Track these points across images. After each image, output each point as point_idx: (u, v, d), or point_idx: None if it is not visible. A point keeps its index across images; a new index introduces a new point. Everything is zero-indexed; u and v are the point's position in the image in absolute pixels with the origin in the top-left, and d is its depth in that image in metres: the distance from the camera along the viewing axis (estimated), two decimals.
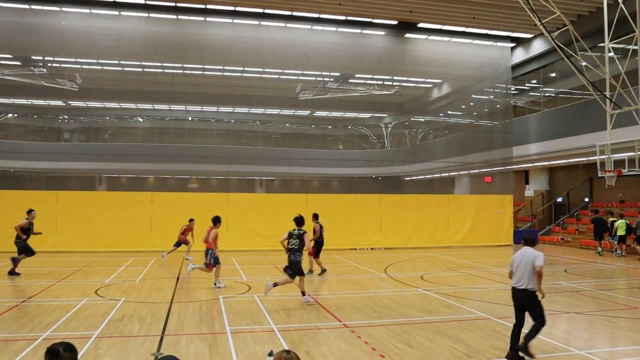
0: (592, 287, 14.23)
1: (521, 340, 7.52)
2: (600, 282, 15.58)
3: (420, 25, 27.12)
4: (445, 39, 28.82)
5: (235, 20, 26.40)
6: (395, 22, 26.96)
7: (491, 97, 32.88)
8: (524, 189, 34.27)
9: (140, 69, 29.52)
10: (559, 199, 32.47)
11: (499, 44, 29.58)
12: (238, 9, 25.06)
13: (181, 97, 31.70)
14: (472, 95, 33.55)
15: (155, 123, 35.64)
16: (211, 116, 35.72)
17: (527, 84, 32.20)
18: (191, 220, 20.00)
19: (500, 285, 14.48)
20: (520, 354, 7.48)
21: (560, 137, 25.78)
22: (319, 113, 35.08)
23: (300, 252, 12.05)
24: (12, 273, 15.49)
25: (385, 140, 38.22)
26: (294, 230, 12.44)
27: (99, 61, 28.33)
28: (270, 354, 5.47)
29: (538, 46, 28.53)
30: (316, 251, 15.92)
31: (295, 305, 11.41)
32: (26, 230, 15.89)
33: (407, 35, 28.66)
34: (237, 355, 7.64)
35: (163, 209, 23.43)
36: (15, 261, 15.59)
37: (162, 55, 27.44)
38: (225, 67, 29.36)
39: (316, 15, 25.90)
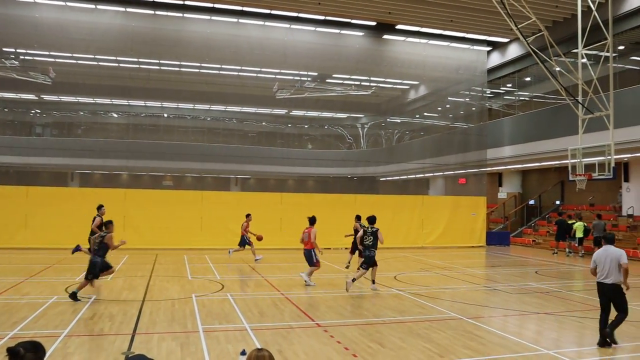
0: (562, 288, 14.49)
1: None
2: (569, 284, 15.88)
3: (399, 27, 27.29)
4: (423, 41, 29.02)
5: (213, 18, 26.20)
6: (373, 23, 27.07)
7: (467, 99, 33.26)
8: (498, 191, 34.77)
9: (116, 64, 29.09)
10: (531, 202, 33.00)
11: (475, 47, 29.91)
12: (216, 6, 24.90)
13: (157, 94, 31.37)
14: (448, 98, 33.87)
15: (130, 119, 35.16)
16: (187, 113, 35.42)
17: (502, 88, 32.66)
18: (248, 215, 19.83)
19: (473, 286, 14.65)
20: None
21: (533, 141, 26.22)
22: (295, 112, 35.03)
23: (375, 247, 13.44)
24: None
25: (362, 140, 38.35)
26: (368, 228, 13.79)
27: (73, 55, 27.83)
28: (243, 353, 5.46)
29: (513, 50, 28.95)
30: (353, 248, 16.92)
31: (268, 304, 11.39)
32: (101, 227, 15.59)
33: (385, 36, 28.80)
34: (209, 354, 7.59)
35: (136, 206, 23.17)
36: (76, 249, 15.36)
37: (138, 50, 27.10)
38: (203, 64, 29.14)
39: (295, 15, 25.86)
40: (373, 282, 13.59)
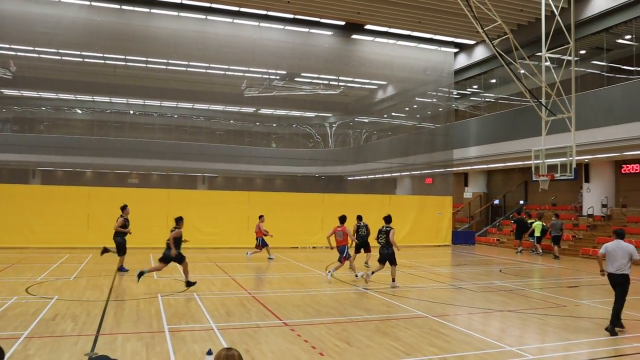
0: (524, 286, 14.79)
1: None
2: (531, 282, 16.21)
3: (367, 27, 27.44)
4: (391, 41, 29.25)
5: (181, 14, 25.90)
6: (342, 23, 27.15)
7: (434, 100, 33.66)
8: (463, 191, 35.28)
9: (80, 59, 28.48)
10: (496, 201, 33.61)
11: (442, 48, 30.28)
12: (184, 1, 24.64)
13: (123, 90, 30.86)
14: (416, 98, 34.22)
15: (95, 115, 34.55)
16: (154, 110, 34.91)
17: (468, 89, 33.16)
18: (261, 216, 19.83)
19: (438, 285, 14.84)
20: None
21: (498, 142, 26.70)
22: (264, 111, 34.94)
23: (388, 245, 14.02)
24: (121, 269, 15.67)
25: (330, 139, 38.46)
26: (383, 227, 14.40)
27: (36, 49, 27.10)
28: (209, 353, 5.40)
29: (480, 53, 29.41)
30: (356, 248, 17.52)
31: (235, 303, 11.33)
32: (124, 226, 15.85)
33: (354, 36, 28.93)
34: (175, 355, 7.51)
35: (101, 204, 22.74)
36: (104, 250, 15.86)
37: (103, 45, 26.60)
38: (170, 61, 28.78)
39: (264, 13, 25.76)
40: (393, 280, 14.14)
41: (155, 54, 28.06)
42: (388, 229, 14.19)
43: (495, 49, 18.45)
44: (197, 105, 34.76)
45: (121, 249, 15.64)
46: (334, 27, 27.76)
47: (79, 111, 35.11)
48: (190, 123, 36.04)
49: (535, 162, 19.29)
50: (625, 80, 22.25)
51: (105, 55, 27.94)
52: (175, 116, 35.22)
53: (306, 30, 28.03)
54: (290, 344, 8.22)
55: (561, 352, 8.11)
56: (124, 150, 29.78)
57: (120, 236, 15.74)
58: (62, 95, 33.05)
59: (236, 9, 25.28)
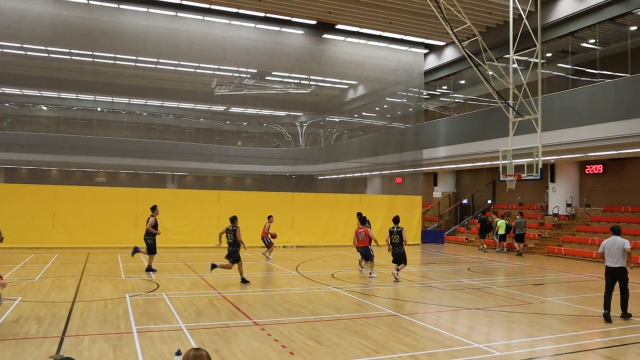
0: (492, 284, 15.05)
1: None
2: (499, 280, 16.49)
3: (339, 26, 27.50)
4: (362, 41, 29.39)
5: (150, 10, 25.56)
6: (314, 22, 27.15)
7: (404, 100, 33.93)
8: (433, 191, 35.68)
9: (46, 54, 27.86)
10: (465, 201, 34.08)
11: (413, 49, 30.56)
12: None
13: (90, 86, 30.27)
14: (386, 98, 34.47)
15: (61, 112, 33.78)
16: (122, 108, 34.37)
17: (438, 90, 33.53)
18: (270, 217, 19.81)
19: (408, 283, 14.97)
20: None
21: (467, 142, 27.08)
22: (234, 109, 34.70)
23: (401, 244, 14.98)
24: (150, 269, 15.76)
25: (300, 138, 38.44)
26: (394, 227, 15.07)
27: None
28: (178, 353, 5.36)
29: (449, 54, 29.78)
30: None
31: (204, 303, 11.24)
32: (155, 227, 15.82)
33: (325, 35, 28.97)
34: (143, 355, 7.42)
35: (67, 203, 22.33)
36: (135, 250, 15.93)
37: (70, 41, 26.04)
38: (139, 58, 28.33)
39: (235, 10, 25.60)
40: (397, 270, 15.05)
41: (123, 50, 27.61)
42: (400, 228, 15.00)
43: (465, 51, 18.70)
44: (167, 103, 34.34)
45: (151, 249, 15.82)
46: (305, 26, 27.75)
47: (44, 108, 34.31)
48: (160, 121, 35.58)
49: (503, 162, 19.61)
50: (589, 83, 22.81)
51: (72, 50, 27.36)
52: (144, 114, 34.72)
53: (277, 29, 27.95)
54: (260, 343, 8.20)
55: (527, 348, 8.27)
56: (91, 148, 29.23)
57: (151, 237, 15.80)
58: (26, 91, 32.24)
59: (207, 6, 25.05)
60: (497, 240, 24.97)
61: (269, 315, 10.19)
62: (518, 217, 24.07)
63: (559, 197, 26.78)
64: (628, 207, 23.97)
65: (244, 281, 13.96)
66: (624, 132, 19.51)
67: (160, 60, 28.99)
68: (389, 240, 15.17)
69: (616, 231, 10.70)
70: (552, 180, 27.07)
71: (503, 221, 24.78)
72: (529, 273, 17.94)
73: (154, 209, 16.09)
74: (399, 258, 15.08)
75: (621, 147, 21.06)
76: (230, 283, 14.23)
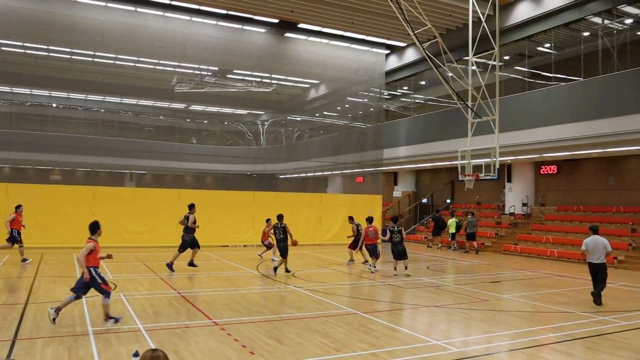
0: (450, 282, 15.31)
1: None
2: (457, 278, 16.79)
3: (301, 25, 27.51)
4: (324, 41, 29.47)
5: (109, 4, 25.01)
6: (276, 21, 27.09)
7: (365, 100, 34.17)
8: (393, 190, 36.03)
9: None
10: (424, 200, 34.55)
11: (374, 50, 30.81)
12: None
13: (45, 81, 29.45)
14: (348, 98, 34.64)
15: (14, 108, 32.68)
16: (79, 104, 33.50)
17: (399, 90, 33.89)
18: (268, 220, 19.48)
19: (368, 282, 15.09)
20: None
21: (426, 142, 27.47)
22: (195, 107, 34.28)
23: (402, 242, 16.15)
24: (191, 264, 16.22)
25: (262, 137, 38.27)
26: (394, 227, 16.39)
27: None
28: (136, 355, 5.26)
29: (410, 55, 30.14)
30: (354, 245, 18.83)
31: (163, 303, 11.08)
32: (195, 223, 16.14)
33: (287, 34, 28.92)
34: (99, 358, 7.26)
35: (19, 201, 21.52)
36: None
37: (24, 33, 25.22)
38: (97, 53, 27.69)
39: (196, 7, 25.30)
40: (395, 268, 16.40)
41: (80, 45, 26.90)
42: (400, 227, 16.35)
43: (425, 52, 18.96)
44: (125, 100, 33.62)
45: (195, 244, 16.14)
46: (267, 24, 27.66)
47: None
48: (118, 118, 34.82)
49: (462, 162, 19.97)
50: (544, 86, 23.45)
51: (26, 44, 26.54)
52: (102, 110, 33.96)
53: (239, 26, 27.75)
54: (220, 343, 8.13)
55: (484, 345, 8.45)
56: (46, 145, 28.40)
57: (190, 233, 15.89)
58: None
59: (167, 1, 24.70)
60: (450, 239, 25.60)
61: (229, 315, 10.12)
62: (469, 216, 24.61)
63: (515, 197, 27.44)
64: (581, 207, 24.73)
65: (287, 270, 15.91)
66: (576, 134, 20.16)
67: (119, 56, 28.39)
68: (391, 239, 16.38)
69: (595, 230, 12.04)
70: (509, 180, 27.72)
71: (453, 220, 25.50)
72: (486, 271, 18.32)
73: (191, 207, 16.37)
74: (401, 254, 16.04)
75: (574, 149, 21.75)
76: (189, 283, 14.06)
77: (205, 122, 36.76)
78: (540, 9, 22.63)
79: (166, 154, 31.19)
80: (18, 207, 17.56)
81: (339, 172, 34.85)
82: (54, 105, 33.47)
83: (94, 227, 9.58)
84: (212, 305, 10.98)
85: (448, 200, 32.79)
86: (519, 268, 19.01)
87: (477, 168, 19.61)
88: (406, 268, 16.30)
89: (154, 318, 9.75)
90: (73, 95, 32.70)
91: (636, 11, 20.98)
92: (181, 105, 34.14)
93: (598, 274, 11.81)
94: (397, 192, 35.78)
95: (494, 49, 19.67)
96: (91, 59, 28.28)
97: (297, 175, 38.15)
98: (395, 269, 16.36)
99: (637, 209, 22.33)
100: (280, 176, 37.99)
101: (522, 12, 23.41)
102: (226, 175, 36.36)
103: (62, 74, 29.22)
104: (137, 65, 29.30)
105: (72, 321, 9.30)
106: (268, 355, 7.55)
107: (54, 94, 32.35)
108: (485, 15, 19.40)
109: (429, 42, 20.55)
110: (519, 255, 23.11)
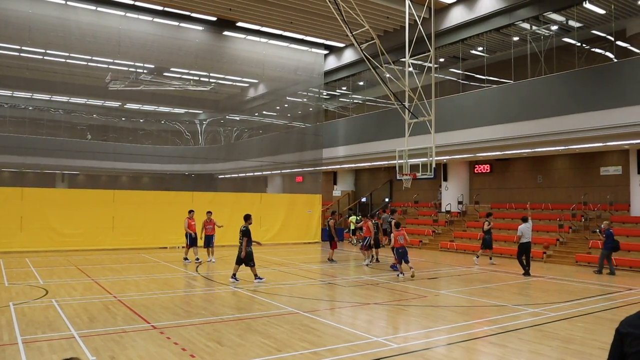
0: (389, 279, 15.57)
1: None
2: (395, 275, 17.09)
3: (239, 24, 27.27)
4: (263, 40, 29.33)
5: None
6: (214, 19, 26.73)
7: (304, 100, 34.26)
8: (333, 189, 36.33)
9: None
10: (363, 199, 35.00)
11: (313, 50, 30.93)
12: None
13: None
14: (287, 97, 34.62)
15: None
16: (4, 101, 31.84)
17: (337, 90, 34.18)
18: (209, 212, 19.50)
19: (309, 281, 15.14)
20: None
21: (365, 142, 27.85)
22: (130, 105, 33.32)
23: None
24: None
25: (200, 137, 37.68)
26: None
27: None
28: None
29: (349, 55, 30.45)
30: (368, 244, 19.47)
31: (99, 309, 10.72)
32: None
33: (226, 33, 28.60)
34: None
35: None
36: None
37: None
38: (23, 47, 26.43)
39: (131, 2, 24.61)
40: (396, 266, 16.94)
41: (5, 39, 25.59)
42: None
43: (363, 53, 19.19)
44: (56, 97, 32.29)
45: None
46: (205, 22, 27.26)
47: None
48: (48, 116, 33.40)
49: (399, 162, 20.34)
50: (477, 88, 24.24)
51: None
52: (30, 108, 32.47)
53: (176, 24, 27.18)
54: (159, 347, 7.95)
55: (423, 340, 8.65)
56: None
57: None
58: None
59: None
60: (350, 234, 27.64)
61: (168, 318, 9.91)
62: (384, 214, 24.91)
63: (451, 195, 28.24)
64: (512, 204, 25.72)
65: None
66: (507, 134, 20.99)
67: (48, 52, 27.22)
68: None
69: (525, 220, 16.87)
70: (445, 179, 28.50)
71: (353, 217, 27.38)
72: (423, 267, 18.74)
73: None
74: (405, 257, 16.43)
75: (505, 149, 22.63)
76: (126, 286, 13.68)
77: (142, 121, 35.81)
78: (473, 14, 23.40)
79: (100, 153, 30.14)
80: None
81: (279, 171, 34.80)
82: None
83: None
84: (150, 309, 10.72)
85: (387, 199, 33.36)
86: (455, 264, 19.57)
87: (414, 167, 20.01)
88: (411, 268, 16.24)
89: (88, 324, 9.41)
90: None
91: (561, 18, 22.04)
92: (116, 104, 33.10)
93: (529, 249, 16.67)
94: (337, 192, 36.10)
95: (429, 51, 20.15)
96: (17, 54, 26.98)
97: (237, 175, 37.81)
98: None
99: (564, 206, 23.44)
100: (219, 176, 37.52)
101: (456, 16, 24.12)
102: (164, 176, 35.58)
103: None
104: (68, 61, 28.16)
105: None
106: (209, 358, 7.45)
107: None
108: (421, 18, 19.83)
109: (367, 44, 20.82)
110: (455, 251, 23.79)
